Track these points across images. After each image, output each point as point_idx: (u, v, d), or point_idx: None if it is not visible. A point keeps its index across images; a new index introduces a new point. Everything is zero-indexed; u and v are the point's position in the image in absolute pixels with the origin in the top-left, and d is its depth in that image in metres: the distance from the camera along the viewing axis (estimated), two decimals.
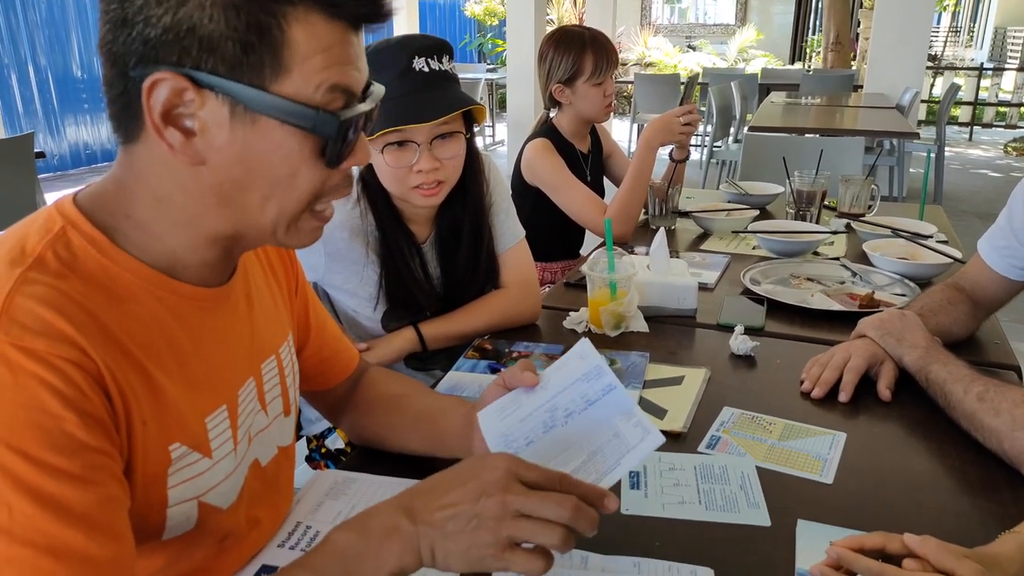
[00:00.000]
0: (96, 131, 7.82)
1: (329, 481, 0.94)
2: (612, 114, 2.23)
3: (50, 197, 3.52)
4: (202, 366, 0.71)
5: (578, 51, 2.05)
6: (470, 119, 1.32)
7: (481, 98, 7.80)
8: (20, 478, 0.53)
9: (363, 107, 0.66)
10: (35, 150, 3.32)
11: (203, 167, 0.63)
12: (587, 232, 2.22)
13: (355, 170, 1.33)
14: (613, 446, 0.73)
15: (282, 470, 0.87)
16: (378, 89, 0.69)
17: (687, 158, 2.18)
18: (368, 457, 1.00)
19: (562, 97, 2.10)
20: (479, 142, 7.62)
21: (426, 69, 1.22)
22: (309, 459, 1.50)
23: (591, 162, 2.23)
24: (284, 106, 0.62)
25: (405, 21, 9.81)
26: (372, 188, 1.33)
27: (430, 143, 1.24)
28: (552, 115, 2.20)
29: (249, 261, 0.83)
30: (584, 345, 0.81)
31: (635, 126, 7.87)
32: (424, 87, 1.22)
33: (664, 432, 1.04)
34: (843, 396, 1.14)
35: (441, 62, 1.24)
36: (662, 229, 1.54)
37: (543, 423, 0.77)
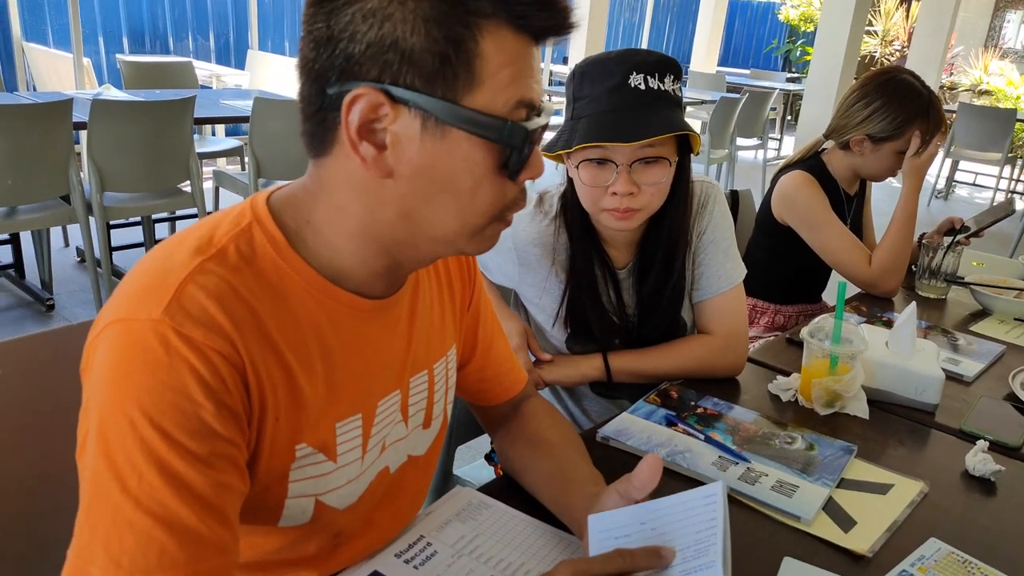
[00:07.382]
0: None
1: (464, 501, 0.93)
2: None
3: None
4: (347, 373, 0.73)
5: (910, 116, 1.76)
6: (686, 145, 1.21)
7: (773, 108, 7.33)
8: (154, 451, 0.58)
9: (542, 120, 0.66)
10: None
11: (390, 180, 0.65)
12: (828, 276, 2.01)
13: (558, 187, 1.31)
14: None
15: (409, 478, 0.87)
16: (549, 106, 0.68)
17: (980, 234, 1.90)
18: (512, 484, 0.98)
19: (858, 148, 1.84)
20: (760, 154, 7.20)
21: (642, 87, 1.14)
22: (488, 457, 1.53)
23: (854, 207, 1.98)
24: (475, 118, 0.63)
25: (711, 20, 9.52)
26: (571, 206, 1.28)
27: (630, 165, 1.15)
28: (826, 146, 1.98)
29: (424, 275, 0.84)
30: (716, 498, 0.70)
31: (948, 161, 6.95)
32: (635, 105, 1.14)
33: (843, 550, 0.91)
34: None
35: (662, 81, 1.15)
36: (913, 304, 1.32)
37: None
